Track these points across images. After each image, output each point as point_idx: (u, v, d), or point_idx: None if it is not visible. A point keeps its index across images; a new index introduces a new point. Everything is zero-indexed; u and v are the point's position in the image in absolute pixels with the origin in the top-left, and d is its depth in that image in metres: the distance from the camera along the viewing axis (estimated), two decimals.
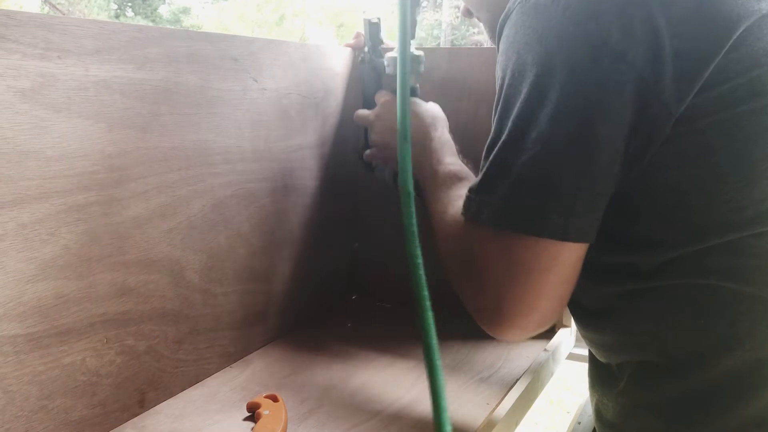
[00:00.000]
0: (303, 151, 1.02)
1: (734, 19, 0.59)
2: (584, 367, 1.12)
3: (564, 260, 0.61)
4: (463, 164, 0.82)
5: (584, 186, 0.59)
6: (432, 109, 0.89)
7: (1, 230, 0.61)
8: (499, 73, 0.66)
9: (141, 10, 13.21)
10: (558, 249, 0.60)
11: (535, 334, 0.66)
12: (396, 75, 0.95)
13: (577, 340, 1.08)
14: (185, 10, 12.82)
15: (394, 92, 0.96)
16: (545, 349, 0.95)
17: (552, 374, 0.96)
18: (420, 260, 0.51)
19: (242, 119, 0.89)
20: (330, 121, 1.07)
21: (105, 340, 0.72)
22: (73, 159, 0.67)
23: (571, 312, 0.76)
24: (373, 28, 1.00)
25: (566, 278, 0.63)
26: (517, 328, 0.64)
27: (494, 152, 0.63)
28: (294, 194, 1.01)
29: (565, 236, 0.60)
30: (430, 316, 0.48)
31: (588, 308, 0.72)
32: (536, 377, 0.88)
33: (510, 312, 0.63)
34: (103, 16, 11.16)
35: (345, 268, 1.17)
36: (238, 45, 0.87)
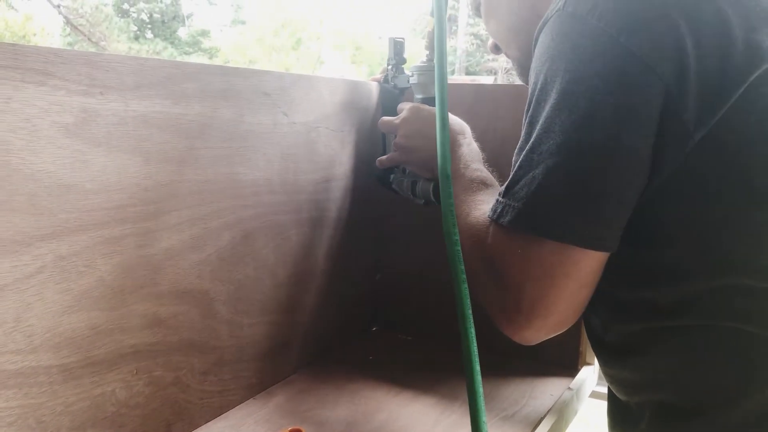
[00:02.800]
0: (329, 183, 1.03)
1: (762, 54, 0.59)
2: (603, 404, 1.12)
3: (584, 266, 0.62)
4: (489, 172, 0.83)
5: (607, 194, 0.60)
6: (458, 120, 0.92)
7: (41, 262, 0.62)
8: (531, 78, 0.67)
9: (160, 33, 13.39)
10: (579, 255, 0.61)
11: (550, 336, 0.67)
12: (421, 84, 0.99)
13: (599, 378, 1.08)
14: (204, 33, 12.99)
15: (420, 101, 0.98)
16: (569, 388, 0.95)
17: (576, 413, 0.96)
18: (457, 237, 0.53)
19: (272, 152, 0.90)
20: (356, 155, 1.08)
21: (134, 372, 0.72)
22: (111, 192, 0.68)
23: (593, 348, 0.76)
24: (398, 46, 1.04)
25: (586, 283, 0.64)
26: (534, 329, 0.65)
27: (522, 156, 0.64)
28: (319, 226, 1.02)
29: (585, 243, 0.61)
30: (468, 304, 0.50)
31: (610, 344, 0.72)
32: (560, 416, 0.87)
33: (529, 313, 0.64)
34: (124, 38, 11.33)
35: (367, 300, 1.18)
36: (270, 80, 0.89)
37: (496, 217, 0.66)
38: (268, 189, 0.90)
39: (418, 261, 1.16)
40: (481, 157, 0.87)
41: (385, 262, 1.18)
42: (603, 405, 1.09)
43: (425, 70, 0.99)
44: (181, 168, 0.76)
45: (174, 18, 13.73)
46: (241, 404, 0.88)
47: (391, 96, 1.08)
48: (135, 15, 13.42)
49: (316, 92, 0.98)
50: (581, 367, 1.01)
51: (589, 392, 1.03)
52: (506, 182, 0.67)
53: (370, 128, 1.11)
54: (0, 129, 0.58)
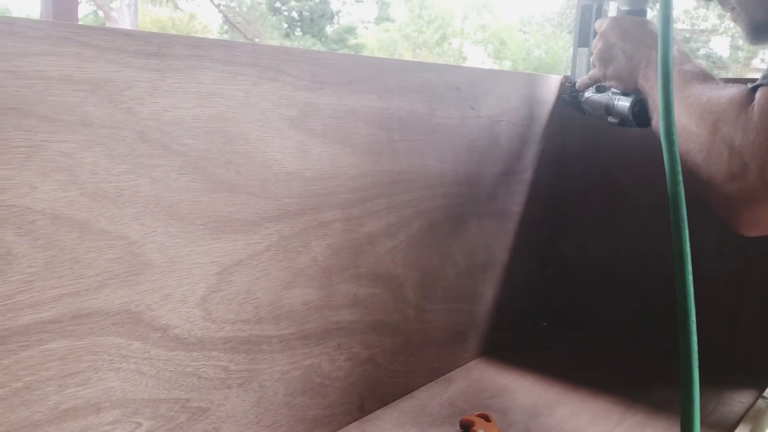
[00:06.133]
0: (508, 176, 1.04)
1: None
2: None
3: None
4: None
5: None
6: None
7: (268, 241, 0.68)
8: None
9: (309, 30, 13.93)
10: None
11: None
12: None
13: None
14: (350, 30, 13.36)
15: (624, 14, 0.91)
16: (763, 396, 0.90)
17: None
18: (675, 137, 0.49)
19: (458, 145, 0.93)
20: (533, 148, 1.09)
21: (337, 346, 0.78)
22: (325, 180, 0.74)
23: None
24: None
25: None
26: None
27: None
28: (496, 218, 1.04)
29: None
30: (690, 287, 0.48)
31: None
32: (756, 426, 0.84)
33: None
34: (276, 35, 11.91)
35: (538, 294, 1.18)
36: (460, 75, 0.91)
37: None
38: (454, 180, 0.93)
39: (591, 259, 1.15)
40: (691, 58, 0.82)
41: (557, 257, 1.18)
42: None
43: None
44: (381, 159, 0.81)
45: (322, 16, 14.20)
46: (424, 386, 0.92)
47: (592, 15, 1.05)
48: (286, 13, 14.03)
49: (500, 86, 0.99)
50: None
51: None
52: None
53: (548, 122, 1.11)
54: (242, 120, 0.65)
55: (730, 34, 10.83)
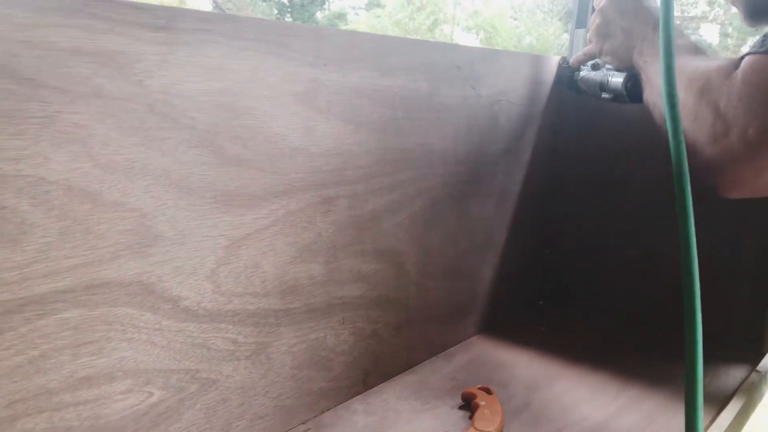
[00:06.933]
0: (507, 155, 1.05)
1: None
2: None
3: None
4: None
5: None
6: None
7: (274, 216, 0.69)
8: None
9: (299, 16, 13.84)
10: None
11: (756, 194, 0.69)
12: None
13: None
14: (340, 16, 13.29)
15: None
16: (757, 370, 0.92)
17: (762, 396, 0.93)
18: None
19: (459, 124, 0.94)
20: (531, 129, 1.10)
21: (342, 321, 0.79)
22: (330, 156, 0.74)
23: None
24: None
25: None
26: (756, 168, 0.66)
27: None
28: (496, 198, 1.05)
29: None
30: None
31: None
32: (749, 399, 0.85)
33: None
34: None
35: (535, 274, 1.19)
36: (462, 54, 0.92)
37: None
38: (455, 159, 0.94)
39: (588, 238, 1.16)
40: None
41: (555, 237, 1.19)
42: None
43: None
44: (385, 136, 0.82)
45: (312, 2, 14.11)
46: (426, 361, 0.93)
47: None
48: None
49: (500, 66, 1.00)
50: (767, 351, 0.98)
51: None
52: None
53: (547, 103, 1.12)
54: (249, 95, 0.65)
55: (719, 21, 10.86)
